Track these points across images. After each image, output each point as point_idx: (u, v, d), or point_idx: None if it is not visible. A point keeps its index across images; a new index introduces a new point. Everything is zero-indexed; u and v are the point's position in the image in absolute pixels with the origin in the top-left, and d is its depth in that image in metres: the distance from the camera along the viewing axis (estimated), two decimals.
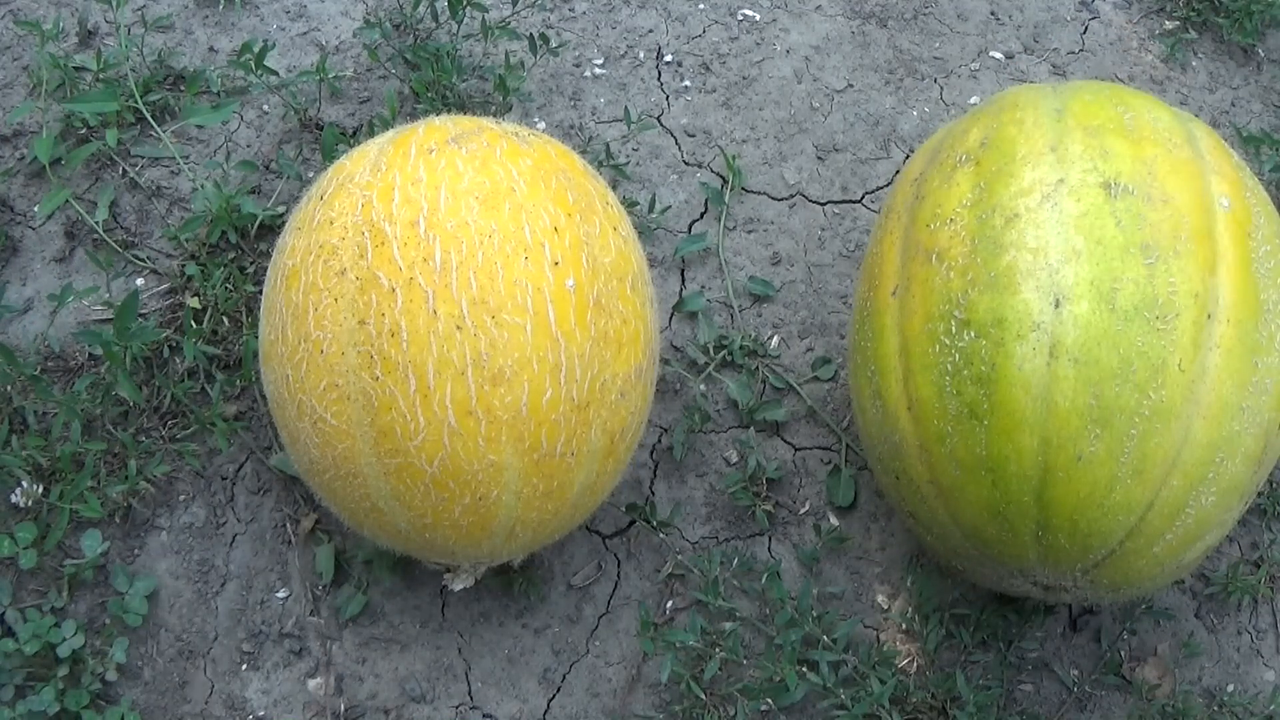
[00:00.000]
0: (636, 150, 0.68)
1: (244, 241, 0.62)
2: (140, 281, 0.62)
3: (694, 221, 0.66)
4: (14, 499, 0.55)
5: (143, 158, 0.64)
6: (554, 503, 0.42)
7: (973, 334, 0.42)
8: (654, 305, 0.46)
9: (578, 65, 0.71)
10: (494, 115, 0.67)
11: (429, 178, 0.41)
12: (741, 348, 0.62)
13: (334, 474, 0.42)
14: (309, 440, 0.42)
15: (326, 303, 0.40)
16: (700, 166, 0.68)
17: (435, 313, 0.39)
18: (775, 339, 0.63)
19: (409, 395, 0.38)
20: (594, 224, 0.43)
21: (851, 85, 0.71)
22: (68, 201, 0.63)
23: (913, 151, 0.62)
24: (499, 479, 0.40)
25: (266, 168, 0.65)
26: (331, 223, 0.41)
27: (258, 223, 0.62)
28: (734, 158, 0.67)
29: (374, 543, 0.48)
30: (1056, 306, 0.41)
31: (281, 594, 0.56)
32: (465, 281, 0.40)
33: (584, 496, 0.44)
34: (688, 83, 0.70)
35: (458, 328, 0.39)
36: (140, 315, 0.60)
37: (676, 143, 0.68)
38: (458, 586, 0.46)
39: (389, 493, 0.40)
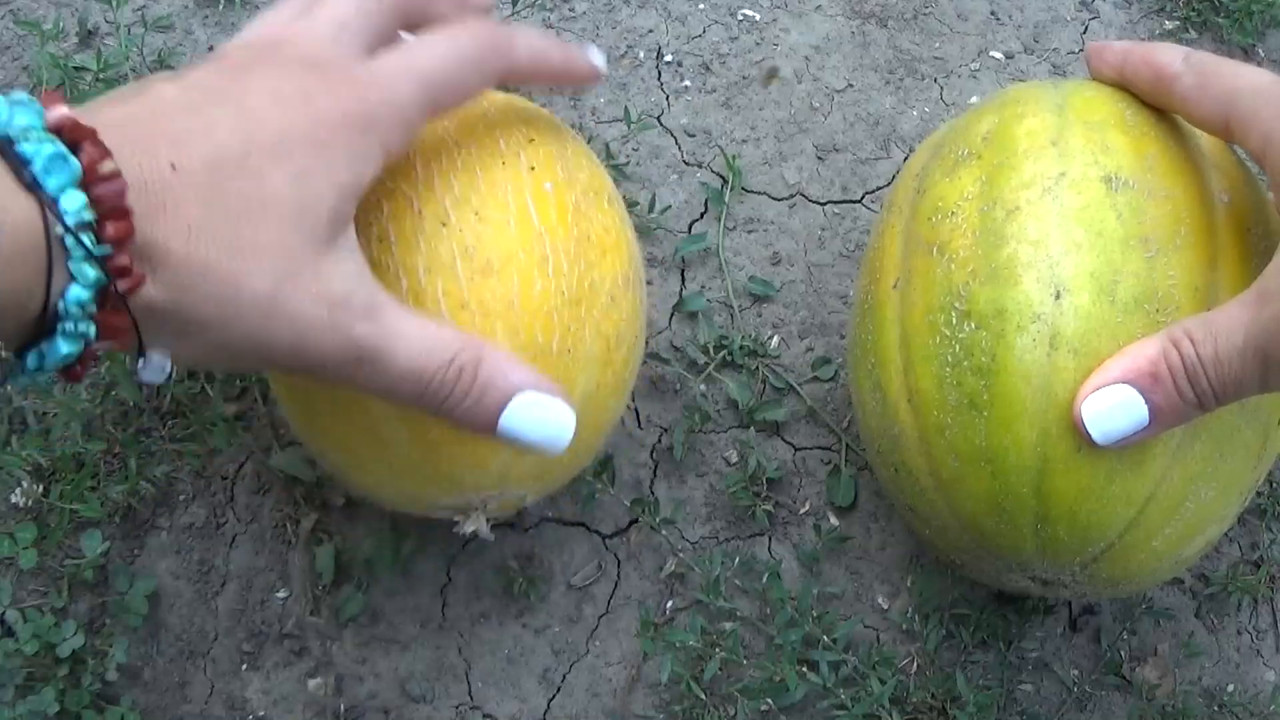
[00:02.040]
0: (636, 150, 0.68)
1: None
2: None
3: (694, 221, 0.66)
4: (14, 499, 0.55)
5: None
6: None
7: (973, 325, 0.42)
8: (630, 226, 0.46)
9: None
10: None
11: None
12: (741, 348, 0.62)
13: (333, 407, 0.41)
14: (304, 379, 0.41)
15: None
16: (700, 166, 0.68)
17: (420, 213, 0.39)
18: (775, 339, 0.63)
19: (401, 295, 0.38)
20: (565, 145, 0.44)
21: (851, 85, 0.71)
22: None
23: (913, 151, 0.62)
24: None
25: None
26: None
27: None
28: (734, 158, 0.67)
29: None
30: (1057, 298, 0.41)
31: (281, 594, 0.56)
32: (447, 184, 0.40)
33: (587, 408, 0.42)
34: (688, 83, 0.70)
35: (442, 224, 0.39)
36: None
37: (676, 143, 0.68)
38: (469, 528, 0.44)
39: (391, 410, 0.39)
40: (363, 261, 0.35)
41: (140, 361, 0.31)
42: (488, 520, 0.46)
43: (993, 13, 0.75)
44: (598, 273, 0.42)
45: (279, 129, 0.32)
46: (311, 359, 0.34)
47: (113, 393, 0.58)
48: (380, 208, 0.39)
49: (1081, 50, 0.75)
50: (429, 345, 0.36)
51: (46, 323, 0.28)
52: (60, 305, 0.28)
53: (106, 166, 0.28)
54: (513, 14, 0.71)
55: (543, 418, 0.38)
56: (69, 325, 0.28)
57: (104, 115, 0.29)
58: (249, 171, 0.31)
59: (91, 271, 0.27)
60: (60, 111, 0.28)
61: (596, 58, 0.44)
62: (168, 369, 0.31)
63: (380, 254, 0.39)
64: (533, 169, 0.42)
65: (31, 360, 0.29)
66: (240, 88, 0.32)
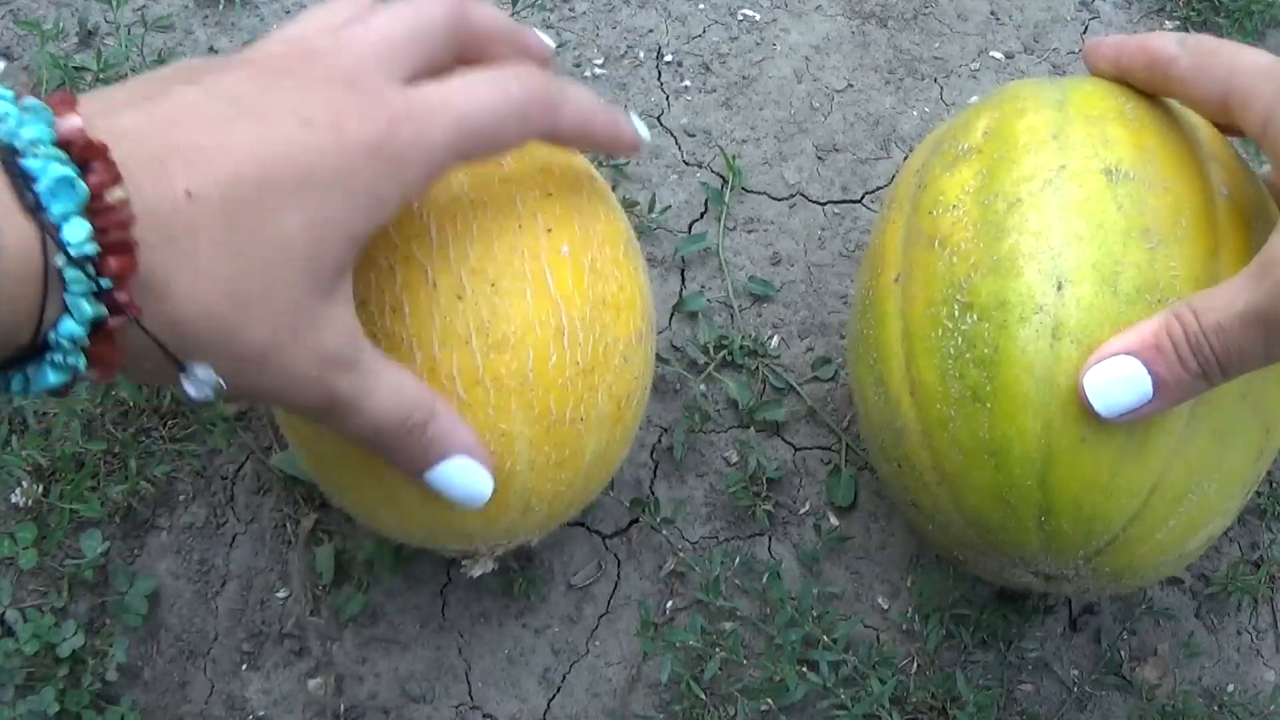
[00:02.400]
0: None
1: None
2: None
3: (694, 221, 0.66)
4: (14, 499, 0.55)
5: None
6: (567, 472, 0.41)
7: (975, 317, 0.42)
8: (646, 272, 0.46)
9: (578, 65, 0.71)
10: None
11: None
12: (741, 348, 0.62)
13: (345, 467, 0.41)
14: (319, 432, 0.40)
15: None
16: (700, 166, 0.68)
17: (435, 285, 0.38)
18: (775, 339, 0.63)
19: (416, 369, 0.37)
20: (581, 194, 0.43)
21: (851, 85, 0.71)
22: None
23: (912, 150, 0.62)
24: (511, 449, 0.39)
25: None
26: None
27: None
28: (734, 158, 0.67)
29: (385, 538, 0.46)
30: (1059, 289, 0.41)
31: (281, 594, 0.56)
32: (463, 253, 0.39)
33: (596, 466, 0.43)
34: (688, 83, 0.70)
35: (458, 297, 0.38)
36: None
37: (676, 143, 0.68)
38: (477, 572, 0.45)
39: (404, 476, 0.39)
40: (352, 310, 0.34)
41: (183, 379, 0.30)
42: (494, 562, 0.47)
43: (993, 13, 0.75)
44: (612, 335, 0.42)
45: (304, 162, 0.30)
46: (290, 404, 0.34)
47: (113, 393, 0.58)
48: (393, 275, 0.39)
49: (1082, 50, 0.75)
50: (395, 401, 0.36)
51: (35, 348, 0.26)
52: (52, 336, 0.26)
53: (116, 194, 0.26)
54: (513, 14, 0.71)
55: (466, 482, 0.39)
56: (59, 357, 0.26)
57: (120, 122, 0.28)
58: (266, 207, 0.29)
59: (89, 307, 0.26)
60: (73, 123, 0.26)
61: (641, 129, 0.42)
62: (213, 381, 0.30)
63: (394, 325, 0.38)
64: (549, 230, 0.40)
65: (16, 384, 0.27)
66: (268, 102, 0.30)
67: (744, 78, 0.71)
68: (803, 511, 0.60)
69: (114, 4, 0.66)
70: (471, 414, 0.39)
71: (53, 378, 0.27)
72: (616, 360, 0.42)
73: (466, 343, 0.38)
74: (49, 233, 0.25)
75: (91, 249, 0.26)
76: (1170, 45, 0.43)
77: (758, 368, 0.62)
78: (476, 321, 0.38)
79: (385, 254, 0.38)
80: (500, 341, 0.39)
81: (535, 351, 0.39)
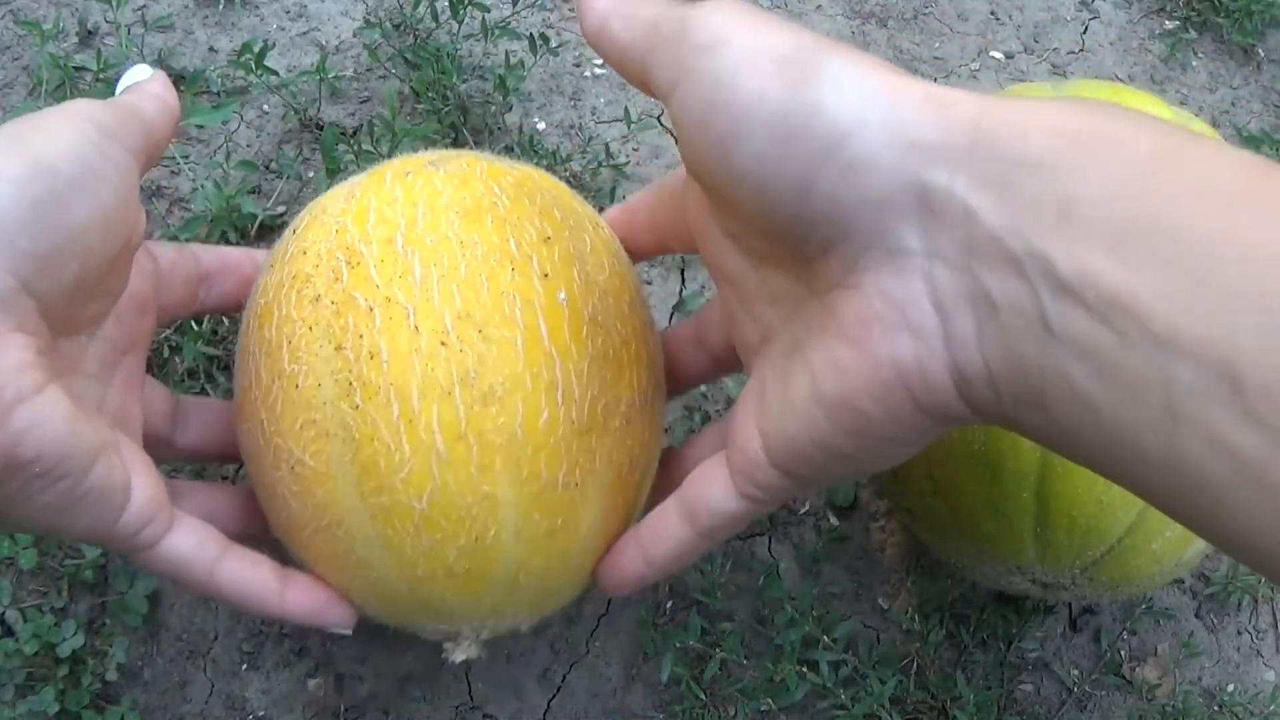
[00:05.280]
0: (637, 150, 0.68)
1: (244, 241, 0.62)
2: None
3: None
4: None
5: None
6: (559, 545, 0.36)
7: None
8: (655, 332, 0.41)
9: (578, 65, 0.71)
10: (494, 115, 0.67)
11: (405, 196, 0.37)
12: None
13: (315, 527, 0.36)
14: (287, 491, 0.36)
15: (300, 333, 0.35)
16: None
17: (416, 329, 0.34)
18: None
19: (392, 422, 0.34)
20: (584, 241, 0.39)
21: None
22: None
23: None
24: (495, 515, 0.35)
25: (266, 168, 0.65)
26: (304, 253, 0.37)
27: (258, 223, 0.62)
28: None
29: (363, 614, 0.41)
30: None
31: None
32: (448, 295, 0.35)
33: (593, 540, 0.38)
34: None
35: (442, 344, 0.34)
36: None
37: (677, 142, 0.68)
38: (459, 657, 0.39)
39: (376, 540, 0.35)
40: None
41: None
42: (480, 645, 0.41)
43: (993, 13, 0.75)
44: (613, 394, 0.37)
45: None
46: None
47: None
48: (371, 318, 0.35)
49: (1082, 50, 0.75)
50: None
51: None
52: None
53: None
54: (513, 14, 0.71)
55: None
56: None
57: None
58: None
59: None
60: None
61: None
62: None
63: (370, 371, 0.35)
64: (546, 275, 0.36)
65: None
66: None
67: None
68: (802, 511, 0.60)
69: (114, 4, 0.66)
70: (453, 473, 0.35)
71: None
72: (617, 422, 0.37)
73: (449, 393, 0.34)
74: None
75: None
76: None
77: None
78: (461, 371, 0.34)
79: (366, 294, 0.35)
80: (487, 393, 0.35)
81: (525, 407, 0.35)
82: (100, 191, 0.31)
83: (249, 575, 0.37)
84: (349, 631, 0.40)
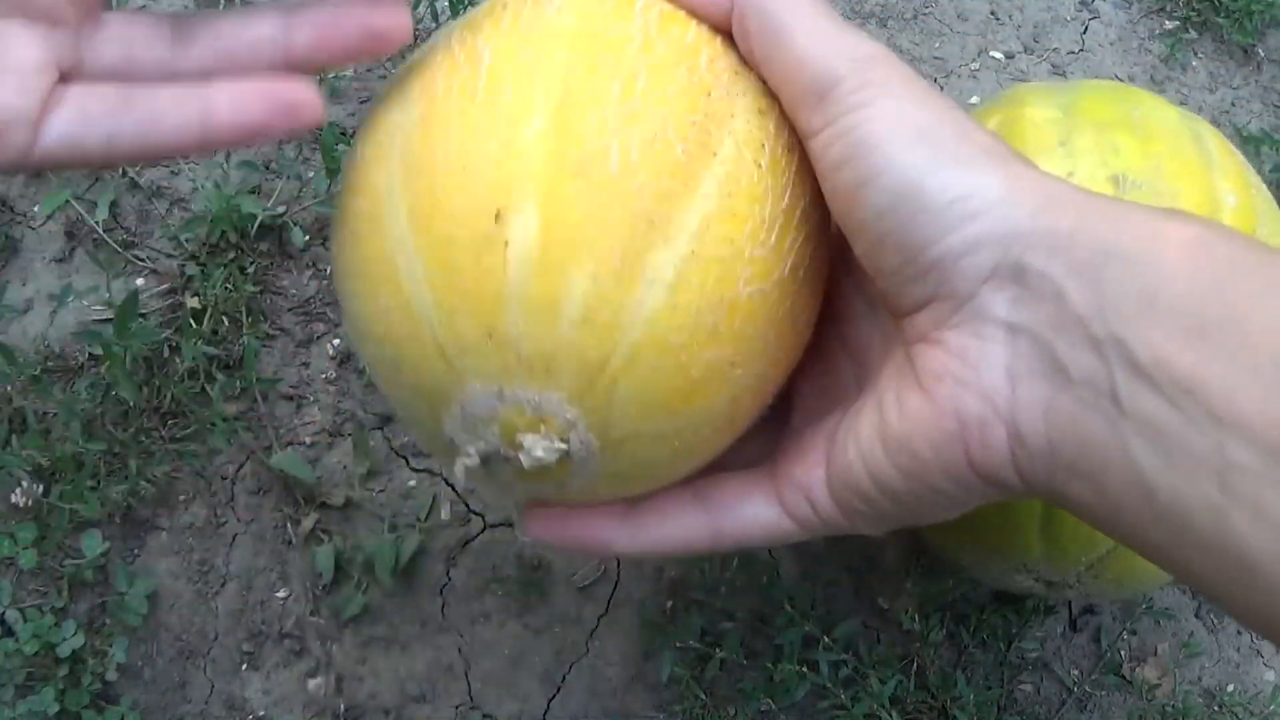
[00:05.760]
0: None
1: (244, 241, 0.62)
2: (140, 282, 0.62)
3: None
4: (14, 499, 0.56)
5: None
6: (710, 345, 0.29)
7: None
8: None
9: None
10: None
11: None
12: None
13: (613, 201, 0.28)
14: (616, 149, 0.28)
15: (727, 68, 0.31)
16: None
17: (811, 175, 0.31)
18: None
19: (777, 208, 0.29)
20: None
21: None
22: (68, 201, 0.63)
23: None
24: (754, 360, 0.30)
25: (266, 168, 0.65)
26: None
27: (258, 223, 0.62)
28: None
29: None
30: None
31: (281, 594, 0.56)
32: (779, 126, 0.31)
33: (711, 378, 0.29)
34: None
35: (820, 206, 0.31)
36: (140, 315, 0.60)
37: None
38: (538, 451, 0.28)
39: (673, 265, 0.28)
40: None
41: None
42: (547, 461, 0.28)
43: (993, 13, 0.75)
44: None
45: None
46: None
47: (113, 392, 0.58)
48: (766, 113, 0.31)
49: (1082, 50, 0.75)
50: None
51: None
52: None
53: None
54: None
55: None
56: None
57: None
58: None
59: None
60: None
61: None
62: None
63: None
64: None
65: None
66: None
67: None
68: None
69: (114, 4, 0.66)
70: (776, 298, 0.30)
71: None
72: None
73: (809, 240, 0.31)
74: None
75: None
76: None
77: None
78: (818, 235, 0.32)
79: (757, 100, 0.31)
80: (811, 272, 0.31)
81: (810, 316, 0.32)
82: None
83: (158, 111, 0.30)
84: (317, 118, 0.29)
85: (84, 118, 0.29)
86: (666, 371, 0.28)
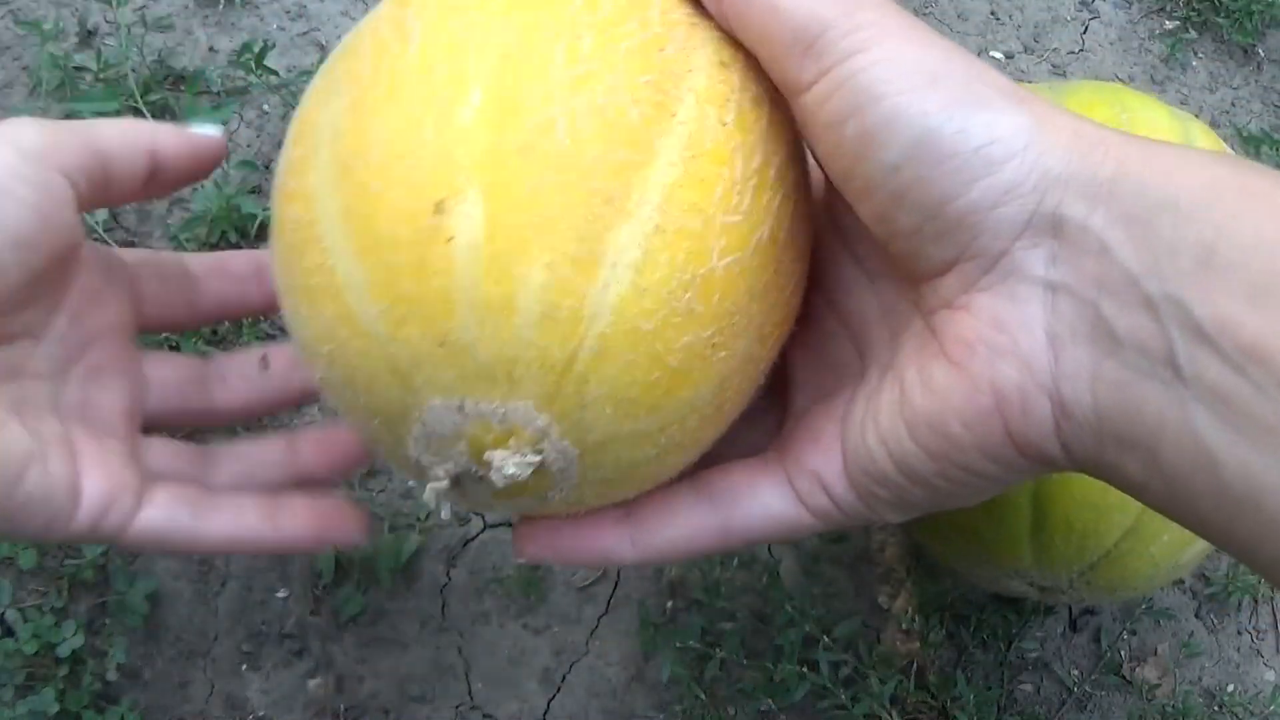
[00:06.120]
0: None
1: (244, 241, 0.62)
2: None
3: None
4: None
5: None
6: (672, 332, 0.26)
7: None
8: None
9: None
10: None
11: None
12: None
13: (565, 181, 0.25)
14: (562, 122, 0.26)
15: (683, 18, 0.28)
16: None
17: (793, 125, 0.29)
18: None
19: (749, 168, 0.27)
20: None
21: None
22: None
23: None
24: (738, 337, 0.27)
25: (266, 168, 0.65)
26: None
27: (258, 223, 0.62)
28: None
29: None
30: None
31: (281, 594, 0.56)
32: (748, 79, 0.28)
33: (691, 363, 0.27)
34: None
35: (805, 158, 0.30)
36: None
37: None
38: (510, 468, 0.25)
39: (637, 244, 0.25)
40: None
41: None
42: (521, 476, 0.26)
43: (993, 13, 0.75)
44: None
45: None
46: None
47: None
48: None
49: (1082, 50, 0.75)
50: None
51: None
52: None
53: None
54: None
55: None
56: None
57: None
58: None
59: None
60: None
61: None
62: None
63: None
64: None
65: None
66: None
67: None
68: None
69: (114, 4, 0.66)
70: (755, 267, 0.27)
71: None
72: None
73: (789, 198, 0.28)
74: None
75: None
76: None
77: None
78: (802, 192, 0.29)
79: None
80: (795, 233, 0.29)
81: (799, 279, 0.30)
82: (6, 208, 0.30)
83: (233, 524, 0.35)
84: (360, 539, 0.36)
85: (172, 515, 0.34)
86: (642, 363, 0.26)
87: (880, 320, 0.30)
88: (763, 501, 0.30)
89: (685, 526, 0.31)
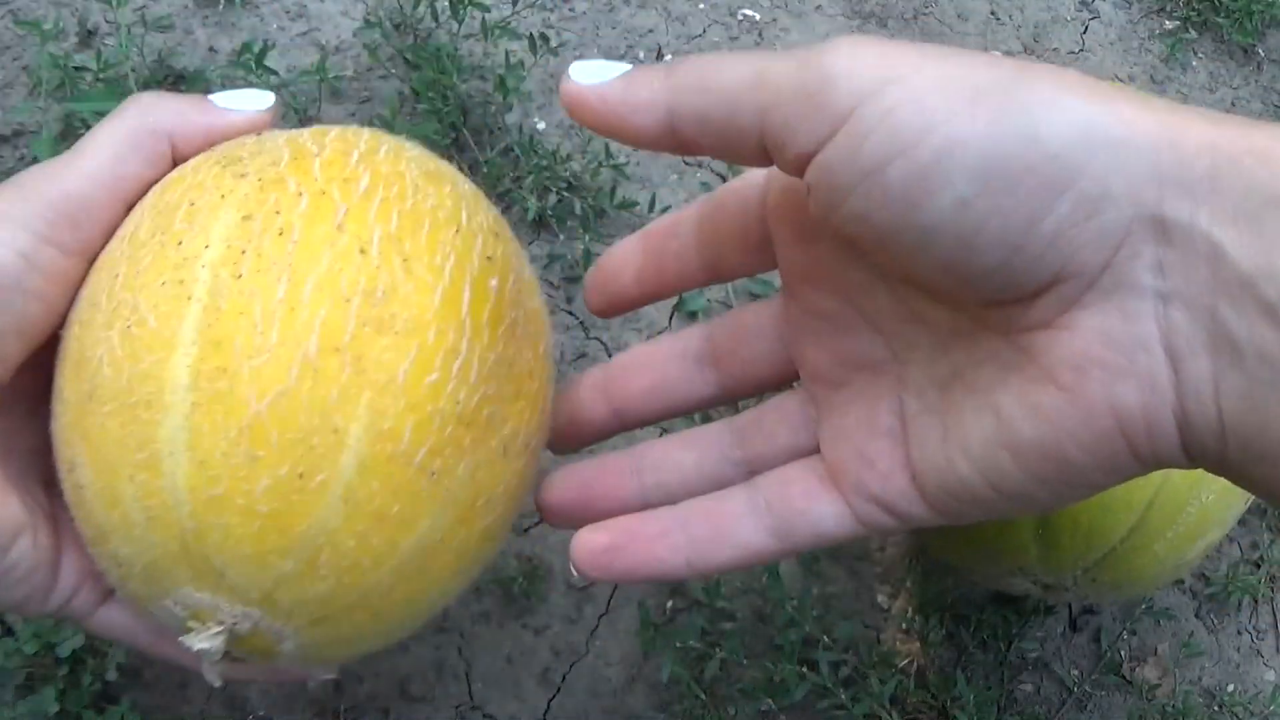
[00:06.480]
0: (636, 150, 0.68)
1: None
2: None
3: None
4: None
5: None
6: (384, 536, 0.30)
7: None
8: (550, 404, 0.36)
9: None
10: (494, 115, 0.67)
11: (371, 135, 0.34)
12: None
13: (117, 405, 0.30)
14: (107, 356, 0.30)
15: (209, 200, 0.31)
16: (700, 166, 0.68)
17: (341, 228, 0.31)
18: None
19: (271, 302, 0.29)
20: (524, 274, 0.36)
21: None
22: None
23: None
24: (335, 457, 0.29)
25: None
26: (243, 143, 0.34)
27: None
28: None
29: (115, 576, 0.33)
30: None
31: None
32: (386, 214, 0.31)
33: (418, 558, 0.31)
34: None
35: (361, 251, 0.30)
36: None
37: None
38: (198, 645, 0.30)
39: (183, 435, 0.29)
40: None
41: None
42: (224, 649, 0.31)
43: (993, 13, 0.75)
44: (504, 411, 0.33)
45: None
46: None
47: None
48: (298, 201, 0.31)
49: (1082, 50, 0.75)
50: None
51: None
52: None
53: None
54: (513, 14, 0.71)
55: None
56: None
57: None
58: None
59: None
60: None
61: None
62: None
63: (271, 246, 0.30)
64: (489, 259, 0.33)
65: None
66: None
67: None
68: None
69: (114, 4, 0.66)
70: (311, 385, 0.29)
71: None
72: (495, 442, 0.32)
73: (347, 301, 0.30)
74: None
75: None
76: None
77: None
78: (370, 284, 0.30)
79: (302, 181, 0.32)
80: (385, 320, 0.30)
81: (418, 356, 0.30)
82: (14, 300, 0.31)
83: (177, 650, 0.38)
84: (332, 675, 0.37)
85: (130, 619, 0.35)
86: (236, 520, 0.29)
87: (913, 322, 0.29)
88: (819, 520, 0.30)
89: (743, 549, 0.31)
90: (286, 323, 0.29)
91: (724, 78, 0.26)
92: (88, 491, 0.31)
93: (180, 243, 0.31)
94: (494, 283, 0.33)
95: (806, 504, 0.30)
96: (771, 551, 0.30)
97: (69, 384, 0.31)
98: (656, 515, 0.32)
